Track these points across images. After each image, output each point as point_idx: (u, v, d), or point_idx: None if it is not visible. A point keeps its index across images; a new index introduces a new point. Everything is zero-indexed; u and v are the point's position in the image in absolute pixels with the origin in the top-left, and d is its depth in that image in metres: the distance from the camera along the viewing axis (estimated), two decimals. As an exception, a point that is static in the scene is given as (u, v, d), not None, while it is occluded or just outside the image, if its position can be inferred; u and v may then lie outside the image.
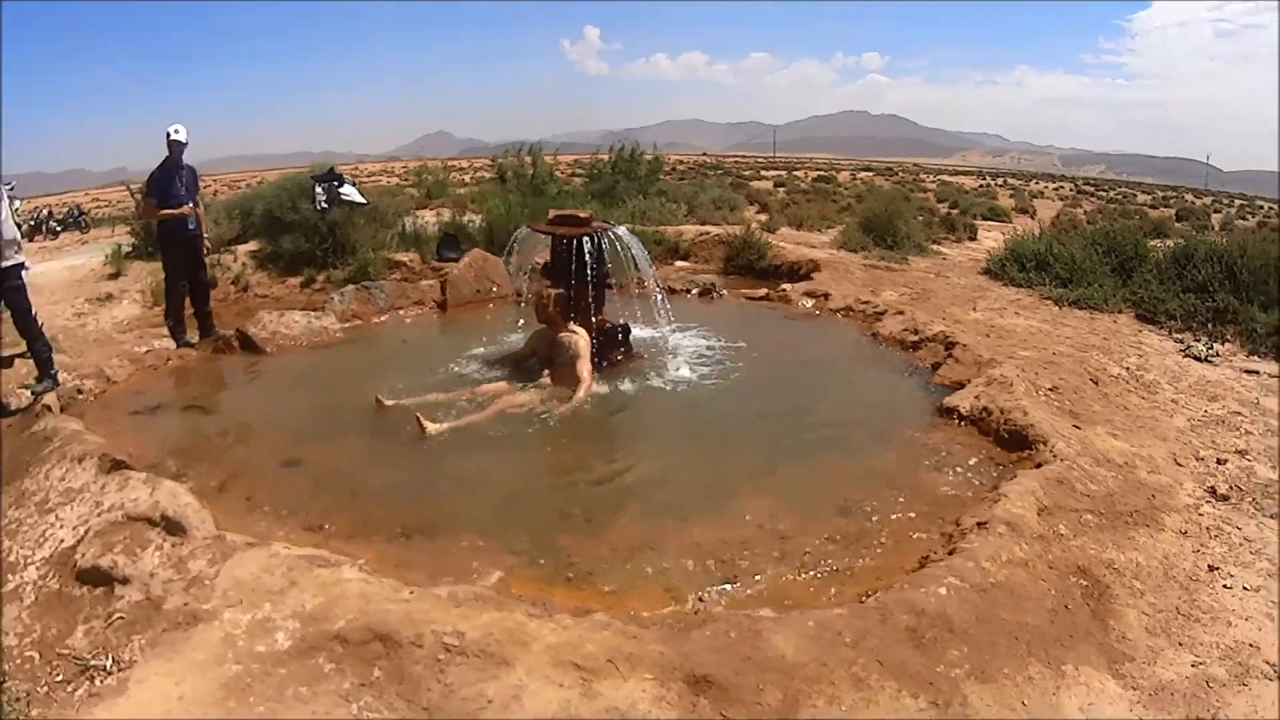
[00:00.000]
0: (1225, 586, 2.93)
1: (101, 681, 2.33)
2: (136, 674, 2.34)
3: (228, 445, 4.33)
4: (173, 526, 3.01)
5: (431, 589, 2.63)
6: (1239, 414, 4.61)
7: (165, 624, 2.53)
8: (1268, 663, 2.50)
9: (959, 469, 3.94)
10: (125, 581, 2.76)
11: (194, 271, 6.18)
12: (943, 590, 2.58)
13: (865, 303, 7.14)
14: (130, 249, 8.47)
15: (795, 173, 43.78)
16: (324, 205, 8.46)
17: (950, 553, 2.92)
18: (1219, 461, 3.98)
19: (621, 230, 5.64)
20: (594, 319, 5.44)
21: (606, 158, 15.62)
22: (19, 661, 2.46)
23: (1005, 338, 6.01)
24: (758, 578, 2.95)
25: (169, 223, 5.97)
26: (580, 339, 5.06)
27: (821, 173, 45.42)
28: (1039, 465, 3.75)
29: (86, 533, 3.00)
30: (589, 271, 5.33)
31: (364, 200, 9.02)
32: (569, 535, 3.32)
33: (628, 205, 11.86)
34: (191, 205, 5.98)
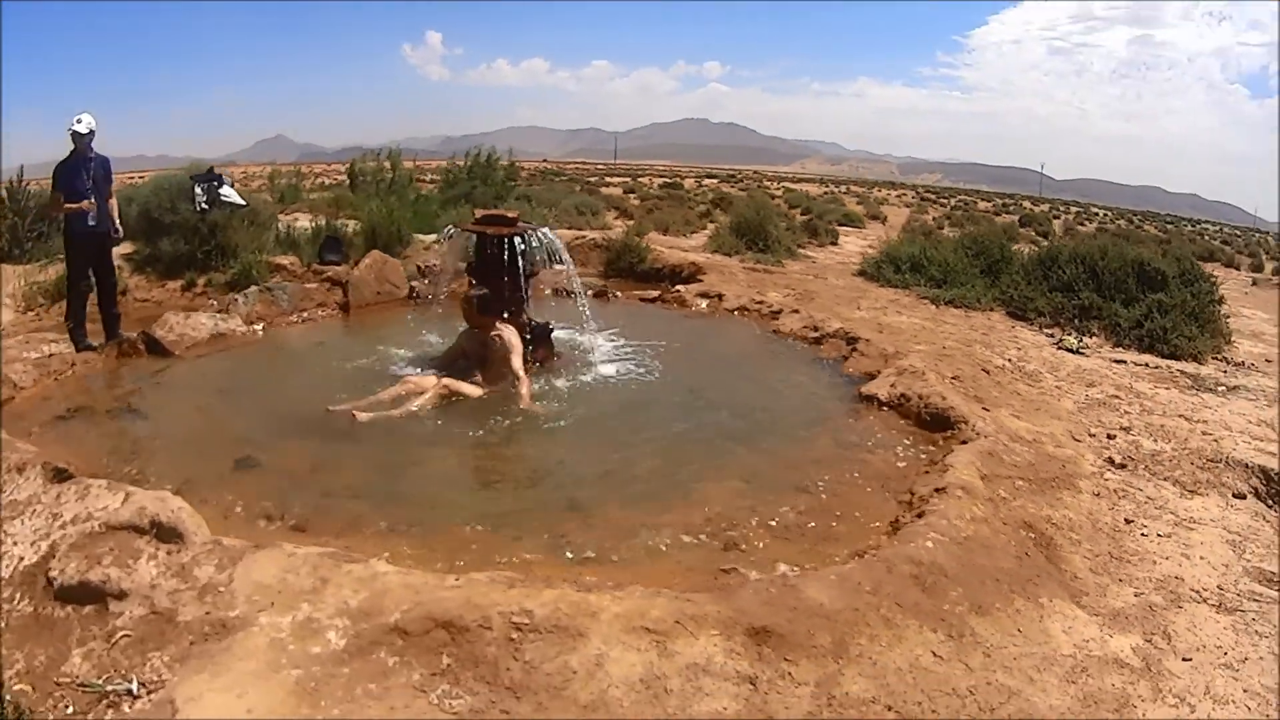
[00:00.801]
0: (1143, 534, 3.58)
1: (132, 707, 2.25)
2: (181, 692, 2.24)
3: (169, 450, 4.27)
4: (166, 533, 2.93)
5: (472, 575, 2.71)
6: (1117, 397, 5.50)
7: (191, 636, 2.47)
8: (1192, 590, 3.14)
9: (892, 447, 4.46)
10: (121, 596, 2.67)
11: (99, 271, 6.06)
12: (929, 544, 3.03)
13: (759, 302, 7.74)
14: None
15: (640, 179, 45.14)
16: (204, 206, 8.30)
17: (919, 515, 3.39)
18: (1109, 437, 4.76)
19: (546, 230, 5.93)
20: (522, 318, 5.66)
21: (462, 163, 15.76)
22: (9, 700, 2.30)
23: (896, 334, 6.74)
24: (759, 545, 3.29)
25: (70, 218, 5.84)
26: (512, 337, 5.27)
27: (666, 179, 47.09)
28: (964, 442, 4.33)
29: (54, 547, 2.88)
30: (519, 270, 5.57)
31: (243, 202, 8.92)
32: (563, 522, 3.50)
33: (499, 208, 12.07)
34: (92, 200, 5.84)
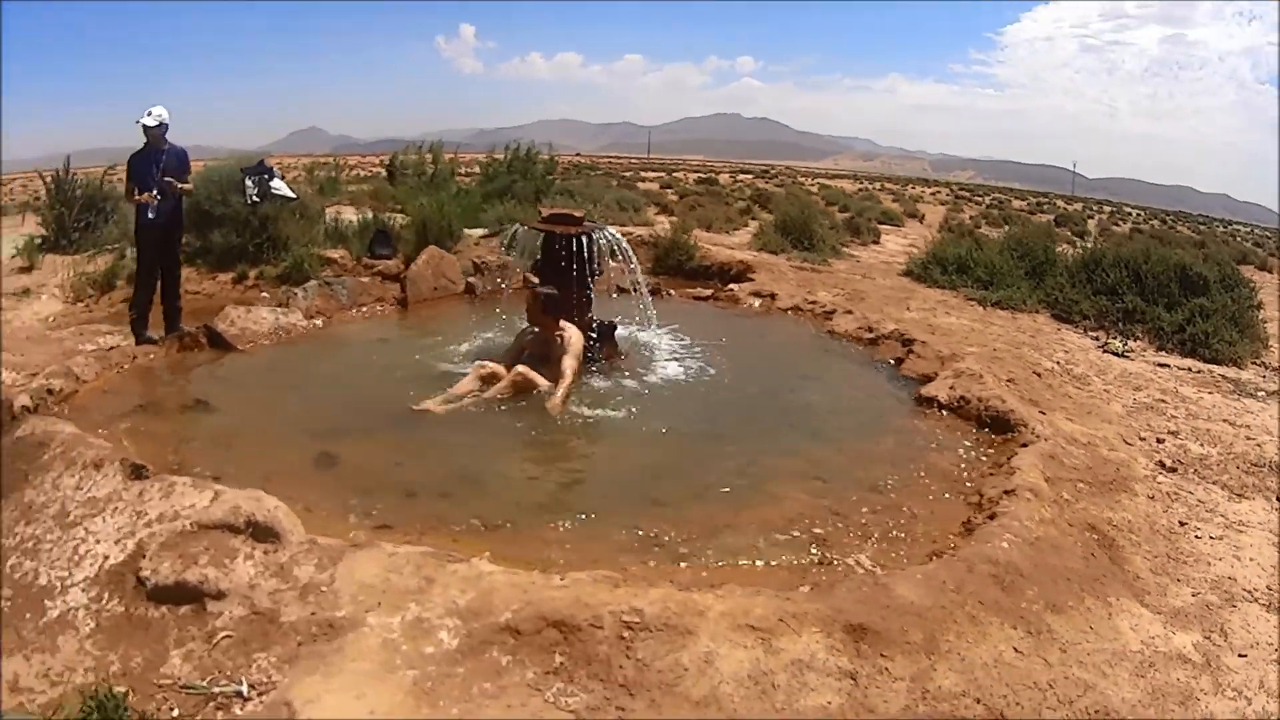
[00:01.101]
0: (1196, 536, 3.83)
1: (243, 709, 2.32)
2: (295, 694, 2.31)
3: (245, 446, 4.34)
4: (262, 532, 2.97)
5: (575, 574, 2.84)
6: (1163, 401, 5.72)
7: (299, 637, 2.54)
8: (1244, 590, 3.40)
9: (954, 449, 4.70)
10: (220, 596, 2.71)
11: (164, 263, 6.21)
12: (1004, 544, 3.30)
13: (812, 302, 7.98)
14: (41, 241, 8.16)
15: (675, 174, 45.45)
16: (255, 199, 8.44)
17: (990, 517, 3.65)
18: (1159, 440, 4.99)
19: (612, 230, 6.14)
20: (587, 317, 5.89)
21: (501, 157, 16.01)
22: (110, 703, 2.28)
23: (947, 335, 6.97)
24: (841, 543, 3.55)
25: (137, 210, 6.00)
26: (574, 336, 5.40)
27: (700, 175, 47.33)
28: (1024, 445, 4.58)
29: (142, 546, 2.93)
30: (585, 269, 5.77)
31: (293, 195, 9.13)
32: (647, 520, 3.65)
33: (543, 203, 12.35)
34: (153, 193, 5.95)
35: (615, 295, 6.84)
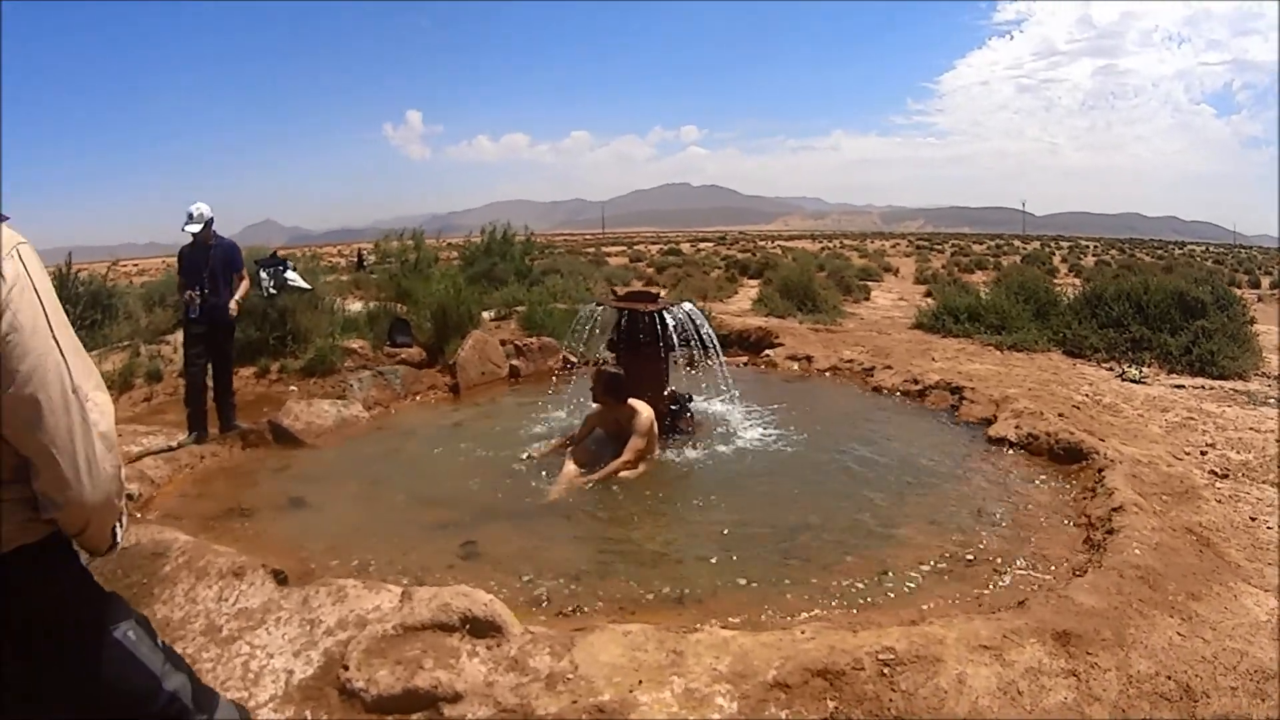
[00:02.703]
0: (1268, 528, 4.65)
1: None
2: None
3: (373, 544, 4.40)
4: (482, 628, 2.97)
5: (802, 628, 3.16)
6: (1191, 419, 6.62)
7: None
8: (1329, 567, 4.24)
9: (1037, 480, 5.45)
10: (456, 699, 2.69)
11: (214, 359, 6.38)
12: (1137, 551, 4.05)
13: (848, 361, 8.79)
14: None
15: (635, 247, 47.09)
16: (271, 291, 8.69)
17: (1109, 532, 4.43)
18: (1202, 453, 5.85)
19: (687, 305, 6.62)
20: (664, 391, 6.38)
21: (478, 240, 16.74)
22: None
23: (982, 381, 7.83)
24: (993, 568, 4.22)
25: (185, 306, 6.23)
26: (644, 415, 5.66)
27: (662, 245, 48.98)
28: (1100, 470, 5.39)
29: (336, 656, 2.92)
30: (660, 345, 6.24)
31: (308, 285, 9.39)
32: (809, 573, 4.09)
33: (545, 284, 13.11)
34: (195, 291, 6.15)
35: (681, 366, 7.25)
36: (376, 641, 2.90)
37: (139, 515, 4.70)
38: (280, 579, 3.48)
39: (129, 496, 4.48)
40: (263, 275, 8.79)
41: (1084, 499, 5.06)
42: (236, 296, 6.44)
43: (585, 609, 3.70)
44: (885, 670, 2.88)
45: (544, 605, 3.74)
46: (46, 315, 1.23)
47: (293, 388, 7.96)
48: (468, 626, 2.96)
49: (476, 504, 5.11)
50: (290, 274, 9.06)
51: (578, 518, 4.95)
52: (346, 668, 2.81)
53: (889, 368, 8.29)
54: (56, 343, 1.22)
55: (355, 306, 11.11)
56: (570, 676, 2.74)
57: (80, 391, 1.25)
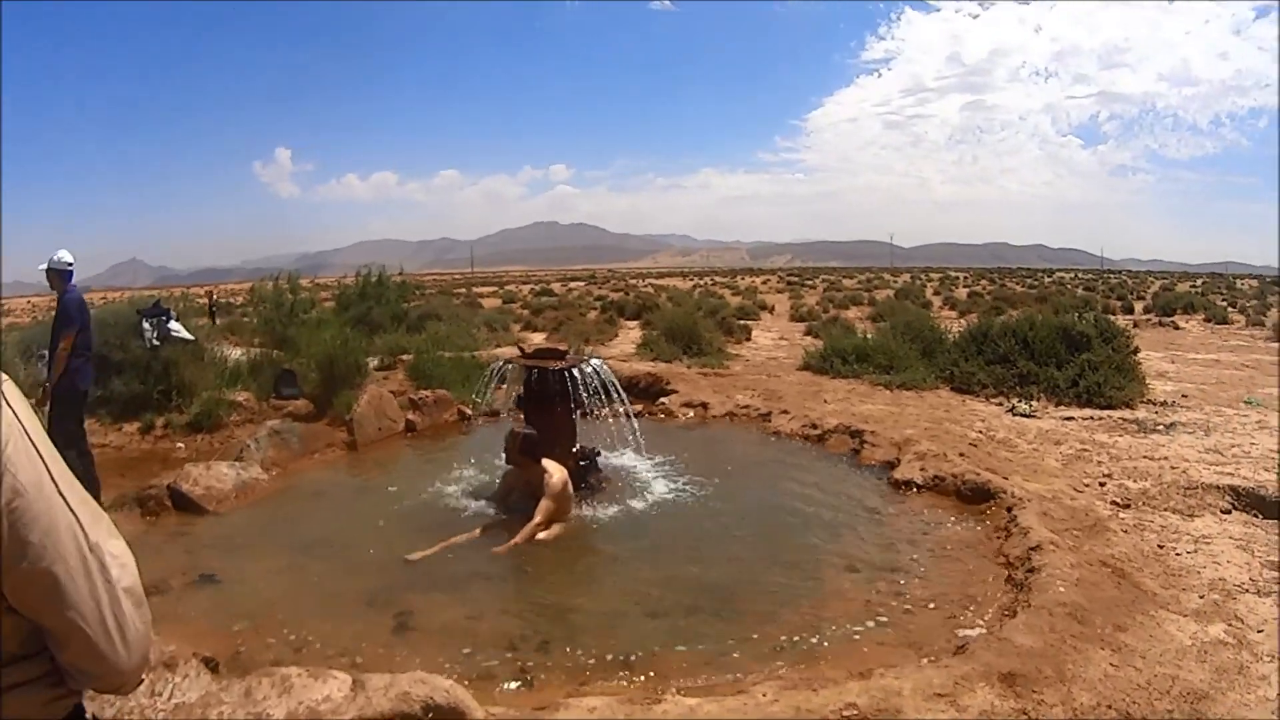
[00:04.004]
0: (1176, 555, 5.02)
1: None
2: None
3: (301, 622, 4.31)
4: (445, 716, 2.96)
5: (762, 689, 3.32)
6: (1086, 450, 7.13)
7: None
8: (1235, 585, 4.56)
9: (951, 521, 5.74)
10: None
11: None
12: (1062, 589, 4.30)
13: (744, 407, 9.00)
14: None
15: (506, 287, 47.03)
16: (155, 343, 8.43)
17: (1030, 570, 4.69)
18: (1101, 484, 6.29)
19: (597, 361, 6.75)
20: (573, 448, 6.47)
21: (353, 282, 16.43)
22: None
23: (879, 422, 8.19)
24: (921, 613, 4.40)
25: None
26: (556, 476, 5.76)
27: (533, 285, 49.15)
28: (1009, 509, 5.72)
29: None
30: (570, 403, 6.36)
31: (191, 336, 9.13)
32: (744, 628, 4.22)
33: (428, 330, 12.93)
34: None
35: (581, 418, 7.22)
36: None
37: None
38: (213, 667, 3.37)
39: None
40: (145, 326, 8.57)
41: (999, 538, 5.34)
42: (55, 371, 5.86)
43: (535, 681, 3.73)
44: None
45: (492, 680, 3.73)
46: (48, 467, 1.08)
47: (179, 444, 7.76)
48: (430, 715, 2.93)
49: (399, 571, 5.10)
50: (173, 324, 8.93)
51: (506, 583, 5.07)
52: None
53: (785, 412, 8.54)
54: (64, 498, 1.08)
55: (235, 353, 10.72)
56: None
57: (98, 549, 1.11)
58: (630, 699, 3.18)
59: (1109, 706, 3.46)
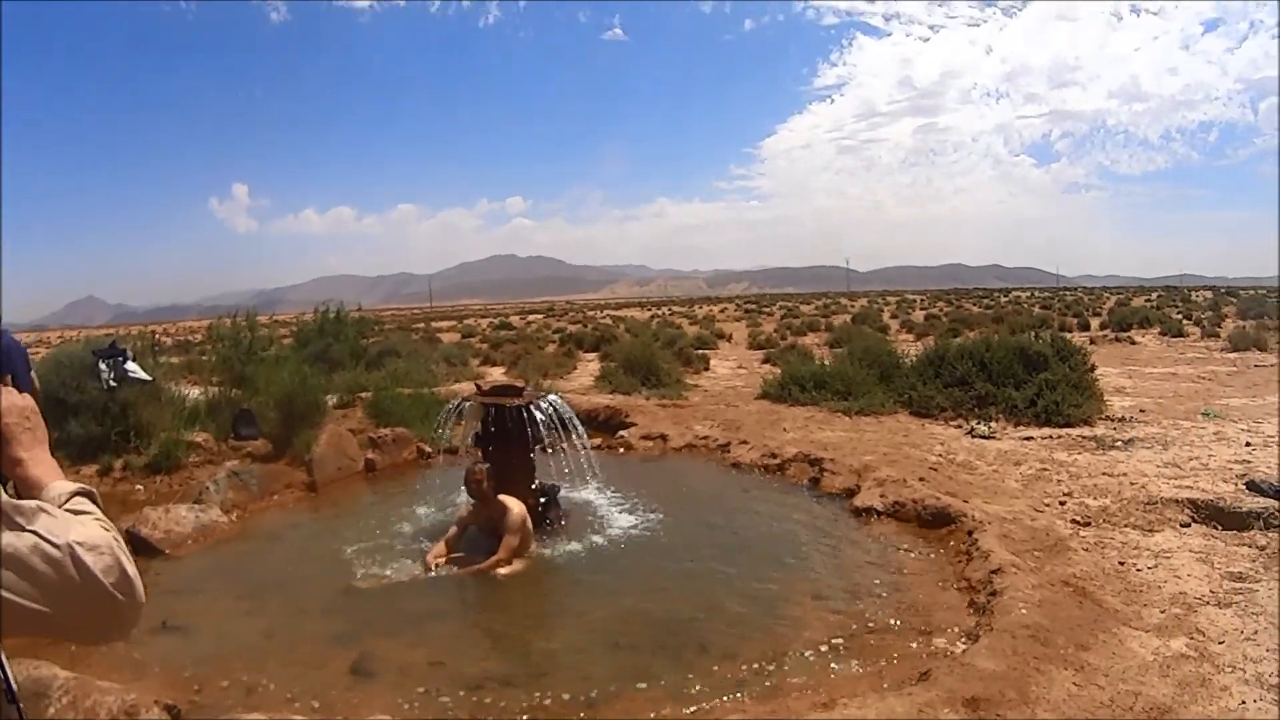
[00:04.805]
0: (1137, 570, 5.13)
1: None
2: None
3: (257, 668, 4.29)
4: None
5: None
6: (1045, 469, 7.27)
7: None
8: (1195, 598, 4.67)
9: (911, 547, 5.81)
10: None
11: None
12: (1024, 610, 4.38)
13: (703, 438, 9.05)
14: None
15: (465, 321, 46.96)
16: (112, 384, 8.32)
17: (992, 594, 4.78)
18: (1061, 503, 6.41)
19: (554, 398, 6.82)
20: (532, 484, 6.47)
21: (312, 319, 16.35)
22: None
23: (836, 449, 8.27)
24: (889, 639, 4.48)
25: None
26: (515, 512, 5.86)
27: (492, 319, 49.17)
28: (969, 532, 5.81)
29: None
30: (528, 439, 6.40)
31: (149, 377, 9.03)
32: (711, 662, 4.27)
33: (386, 367, 12.89)
34: None
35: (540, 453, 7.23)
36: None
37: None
38: (175, 715, 3.37)
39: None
40: (101, 366, 8.33)
41: (960, 562, 5.42)
42: None
43: None
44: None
45: None
46: None
47: (139, 486, 7.74)
48: None
49: (359, 611, 5.15)
50: (130, 364, 8.68)
51: (466, 621, 5.17)
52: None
53: (744, 442, 8.61)
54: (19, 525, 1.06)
55: (193, 393, 10.61)
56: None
57: (64, 548, 1.08)
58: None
59: (1073, 728, 3.54)
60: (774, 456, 8.11)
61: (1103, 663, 4.02)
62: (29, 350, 6.08)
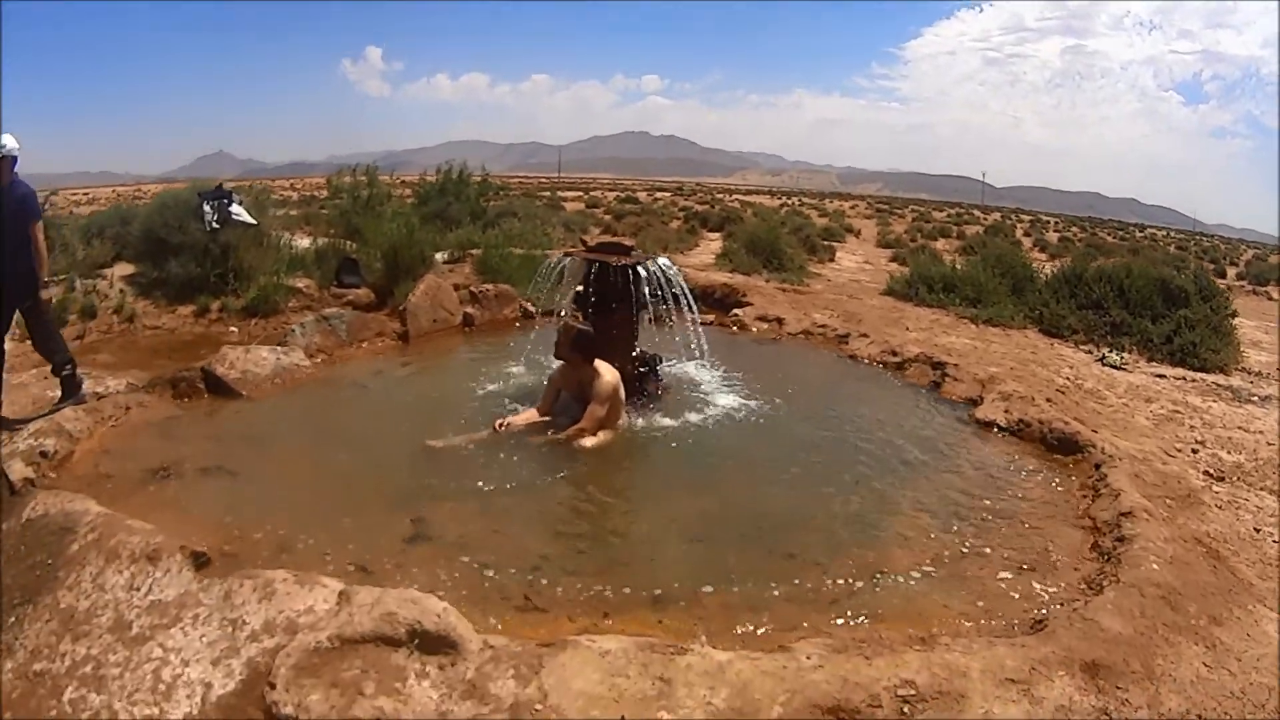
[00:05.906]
0: (1274, 541, 4.50)
1: None
2: None
3: (307, 520, 3.91)
4: (433, 643, 2.54)
5: (805, 648, 2.81)
6: (1178, 412, 6.46)
7: None
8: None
9: (1033, 472, 5.15)
10: None
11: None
12: (1155, 566, 3.79)
13: (821, 326, 8.43)
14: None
15: (591, 193, 46.40)
16: (215, 225, 8.20)
17: (1119, 540, 4.19)
18: (1193, 451, 5.67)
19: (664, 260, 6.06)
20: (633, 351, 5.92)
21: (434, 179, 16.02)
22: None
23: (963, 356, 7.58)
24: (1000, 575, 3.92)
25: None
26: (606, 380, 5.21)
27: (617, 193, 48.32)
28: (1097, 465, 5.15)
29: (262, 669, 2.49)
30: (632, 301, 5.73)
31: (254, 220, 8.85)
32: (798, 573, 3.73)
33: (502, 227, 12.52)
34: None
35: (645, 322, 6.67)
36: (309, 655, 2.45)
37: (53, 476, 4.15)
38: (201, 561, 3.06)
39: (41, 454, 4.19)
40: (205, 208, 8.26)
41: (1086, 497, 4.80)
42: (38, 268, 5.26)
43: (549, 610, 3.30)
44: (906, 708, 2.60)
45: (502, 601, 3.32)
46: None
47: (233, 328, 7.53)
48: (417, 641, 2.53)
49: (425, 472, 4.66)
50: (235, 208, 8.61)
51: (536, 495, 4.51)
52: (273, 685, 2.38)
53: (864, 335, 7.98)
54: None
55: (304, 243, 10.48)
56: (539, 707, 2.35)
57: None
58: (651, 645, 2.69)
59: (1199, 716, 3.01)
60: (894, 354, 7.46)
61: (1236, 644, 3.46)
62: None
